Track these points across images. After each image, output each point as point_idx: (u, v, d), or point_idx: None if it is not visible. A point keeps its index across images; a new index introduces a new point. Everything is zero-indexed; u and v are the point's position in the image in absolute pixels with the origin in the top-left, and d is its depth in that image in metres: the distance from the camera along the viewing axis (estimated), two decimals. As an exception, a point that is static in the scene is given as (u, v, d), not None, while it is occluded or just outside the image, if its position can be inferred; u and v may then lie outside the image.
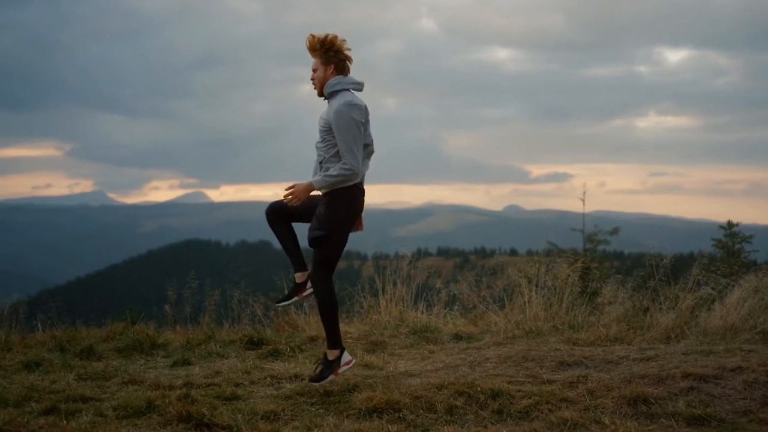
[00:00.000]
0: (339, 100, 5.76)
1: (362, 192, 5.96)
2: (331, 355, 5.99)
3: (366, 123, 5.88)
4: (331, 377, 5.93)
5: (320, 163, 5.89)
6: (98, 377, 6.45)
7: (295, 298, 6.25)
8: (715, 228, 13.15)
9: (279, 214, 6.11)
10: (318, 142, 5.92)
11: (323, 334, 7.64)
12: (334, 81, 5.85)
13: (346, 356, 6.03)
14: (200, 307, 9.54)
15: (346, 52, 5.91)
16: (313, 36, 5.84)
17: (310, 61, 5.93)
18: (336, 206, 5.79)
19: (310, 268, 6.15)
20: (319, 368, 6.02)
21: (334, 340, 6.00)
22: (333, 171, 5.67)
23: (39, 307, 9.58)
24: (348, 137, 5.67)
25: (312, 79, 5.94)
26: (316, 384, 5.91)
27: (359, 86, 5.96)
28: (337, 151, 5.75)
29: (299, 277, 6.21)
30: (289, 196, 5.81)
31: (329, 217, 5.79)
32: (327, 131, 5.81)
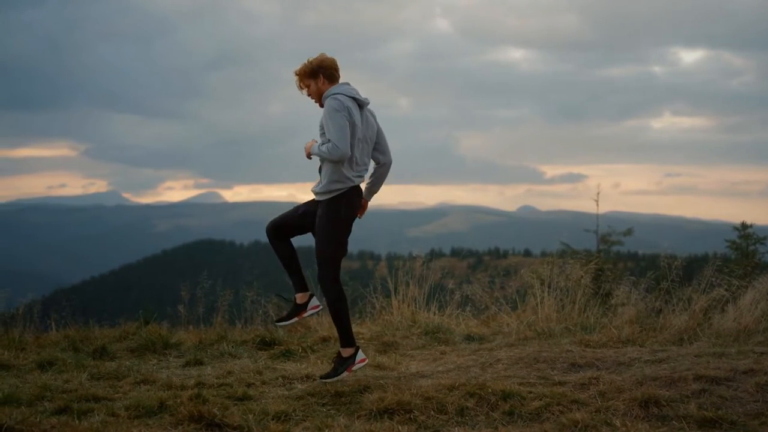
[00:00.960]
0: (328, 98, 5.96)
1: (359, 191, 6.14)
2: (346, 353, 6.07)
3: (357, 120, 5.99)
4: (345, 374, 6.00)
5: (319, 166, 6.09)
6: (111, 377, 6.47)
7: (295, 319, 6.33)
8: (730, 229, 13.12)
9: (279, 231, 6.24)
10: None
11: (335, 334, 7.66)
12: (331, 88, 6.05)
13: (361, 354, 6.11)
14: (213, 307, 9.56)
15: (329, 59, 6.12)
16: (296, 74, 6.17)
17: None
18: (334, 210, 5.98)
19: (311, 288, 6.36)
20: (333, 365, 6.11)
21: (347, 338, 6.08)
22: (324, 147, 5.84)
23: (53, 307, 9.62)
24: (332, 122, 5.82)
25: (309, 96, 6.19)
26: (329, 380, 5.97)
27: (350, 88, 6.10)
28: None
29: (300, 297, 6.31)
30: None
31: (330, 223, 6.00)
32: (321, 130, 6.00)
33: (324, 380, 6.01)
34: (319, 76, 6.06)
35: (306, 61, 6.11)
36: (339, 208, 5.97)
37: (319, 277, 6.09)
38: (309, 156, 6.07)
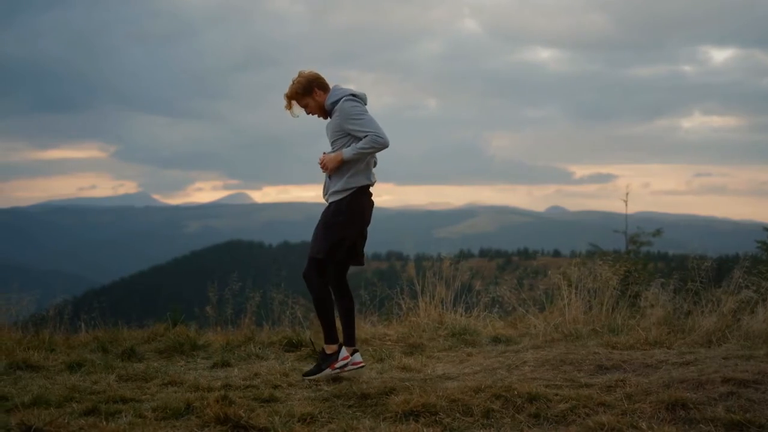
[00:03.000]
0: (339, 103, 5.94)
1: (370, 194, 6.13)
2: (329, 349, 6.13)
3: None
4: (328, 371, 6.06)
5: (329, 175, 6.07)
6: (139, 378, 6.51)
7: (328, 371, 6.19)
8: (760, 229, 13.02)
9: (339, 276, 6.24)
10: (329, 152, 6.08)
11: (361, 335, 7.67)
12: (330, 95, 6.06)
13: (344, 351, 6.14)
14: (242, 309, 9.59)
15: (313, 72, 6.13)
16: (287, 98, 6.17)
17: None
18: (344, 209, 5.96)
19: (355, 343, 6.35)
20: (317, 362, 6.20)
21: (330, 335, 6.12)
22: (362, 143, 5.79)
23: (83, 308, 9.70)
24: (362, 118, 5.84)
25: (310, 113, 6.18)
26: (312, 378, 6.06)
27: (347, 87, 6.10)
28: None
29: (346, 350, 6.25)
30: (321, 166, 6.04)
31: (336, 221, 5.96)
32: (337, 135, 5.99)
33: (307, 378, 6.09)
34: (313, 89, 6.07)
35: (292, 83, 6.12)
36: (347, 208, 5.95)
37: (304, 272, 6.09)
38: (334, 166, 5.95)
